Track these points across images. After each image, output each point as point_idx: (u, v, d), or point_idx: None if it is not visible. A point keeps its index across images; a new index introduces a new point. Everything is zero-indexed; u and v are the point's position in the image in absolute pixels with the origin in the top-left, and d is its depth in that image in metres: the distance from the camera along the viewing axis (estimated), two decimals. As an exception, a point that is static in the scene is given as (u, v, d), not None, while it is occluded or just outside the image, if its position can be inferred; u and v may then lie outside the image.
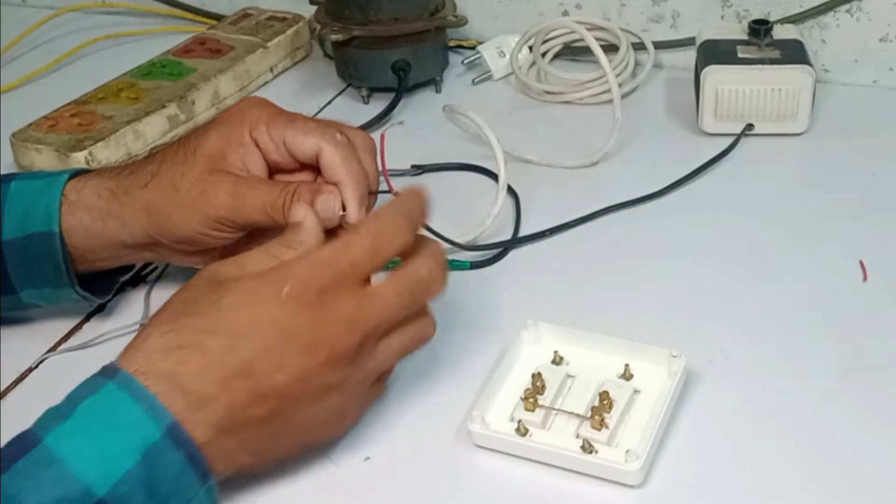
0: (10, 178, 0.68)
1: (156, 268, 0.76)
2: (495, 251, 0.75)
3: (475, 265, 0.74)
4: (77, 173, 0.68)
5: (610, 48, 0.98)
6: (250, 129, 0.64)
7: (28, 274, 0.67)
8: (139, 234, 0.65)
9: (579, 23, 0.94)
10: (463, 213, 0.78)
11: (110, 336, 0.69)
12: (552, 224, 0.78)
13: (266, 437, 0.54)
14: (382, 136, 0.68)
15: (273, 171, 0.66)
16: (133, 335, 0.67)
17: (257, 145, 0.64)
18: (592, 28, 0.95)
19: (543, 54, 1.00)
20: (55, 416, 0.50)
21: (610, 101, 0.94)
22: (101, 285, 0.70)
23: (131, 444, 0.49)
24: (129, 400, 0.50)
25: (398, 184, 0.85)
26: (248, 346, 0.52)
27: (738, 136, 0.86)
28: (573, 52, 1.02)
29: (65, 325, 0.71)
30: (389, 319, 0.56)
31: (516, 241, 0.76)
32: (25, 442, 0.49)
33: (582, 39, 1.00)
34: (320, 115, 0.97)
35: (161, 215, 0.64)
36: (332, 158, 0.63)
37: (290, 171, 0.66)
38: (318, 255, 0.54)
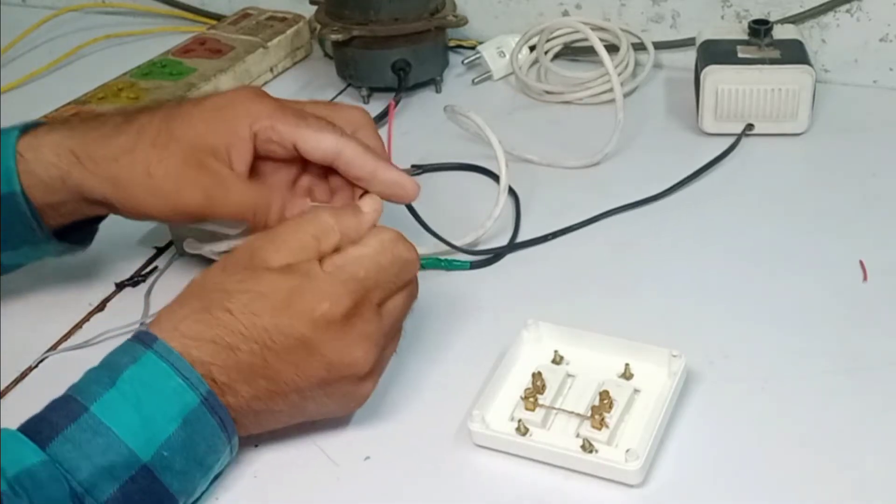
0: None
1: (156, 267, 0.76)
2: (493, 245, 0.75)
3: (475, 265, 0.74)
4: (27, 128, 0.66)
5: (610, 48, 0.98)
6: (251, 123, 0.63)
7: (3, 234, 0.66)
8: (100, 197, 0.64)
9: (584, 24, 0.94)
10: (463, 213, 0.78)
11: (110, 336, 0.69)
12: (552, 224, 0.78)
13: (284, 418, 0.57)
14: (392, 105, 0.68)
15: (272, 160, 0.65)
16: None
17: (254, 139, 0.63)
18: (593, 28, 0.95)
19: (544, 53, 1.00)
20: (98, 382, 0.52)
21: (609, 102, 0.94)
22: (78, 235, 0.70)
23: (172, 410, 0.52)
24: (169, 369, 0.52)
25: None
26: (277, 358, 0.54)
27: (739, 137, 0.86)
28: (573, 52, 1.02)
29: (65, 324, 0.71)
30: (398, 320, 0.59)
31: (516, 246, 0.76)
32: (71, 409, 0.51)
33: (582, 39, 1.00)
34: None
35: (128, 192, 0.63)
36: (353, 158, 0.63)
37: (276, 162, 0.65)
38: (354, 275, 0.56)
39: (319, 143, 0.63)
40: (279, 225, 0.59)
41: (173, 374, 0.52)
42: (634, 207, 0.79)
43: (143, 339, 0.54)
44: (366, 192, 0.63)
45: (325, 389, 0.56)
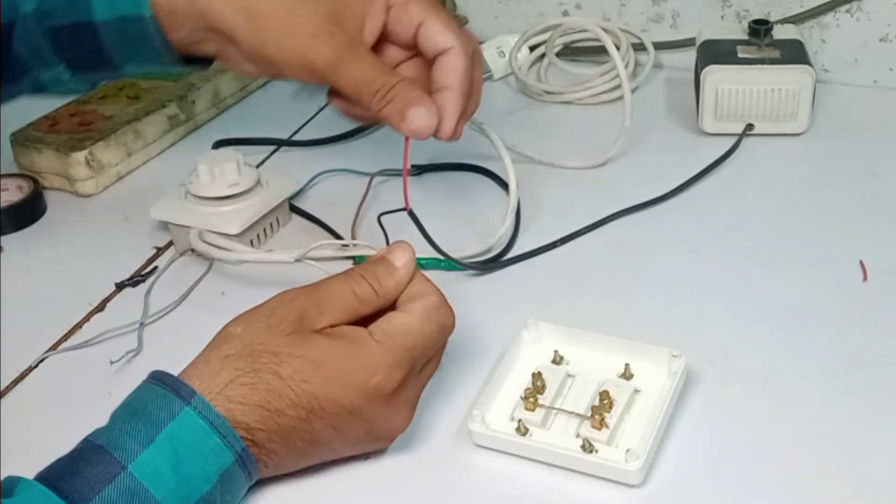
0: None
1: (156, 267, 0.76)
2: (495, 252, 0.75)
3: (475, 266, 0.74)
4: None
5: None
6: None
7: (127, 52, 0.66)
8: (225, 27, 0.63)
9: (599, 24, 0.94)
10: (463, 213, 0.78)
11: (110, 336, 0.69)
12: (552, 224, 0.78)
13: (302, 465, 0.57)
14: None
15: (383, 39, 0.65)
16: (133, 334, 0.68)
17: (387, 11, 0.63)
18: (585, 29, 0.95)
19: (542, 56, 1.01)
20: (134, 438, 0.50)
21: (610, 101, 0.95)
22: (199, 62, 0.68)
23: (210, 469, 0.51)
24: (208, 427, 0.51)
25: (398, 182, 0.86)
26: (321, 423, 0.54)
27: (740, 137, 0.86)
28: (573, 52, 1.02)
29: (65, 324, 0.71)
30: (429, 378, 0.60)
31: (521, 258, 0.75)
32: (107, 465, 0.49)
33: (582, 40, 1.00)
34: (319, 117, 0.97)
35: (261, 27, 0.62)
36: (457, 65, 0.63)
37: (399, 47, 0.65)
38: (403, 345, 0.55)
39: (440, 36, 0.63)
40: (318, 283, 0.58)
41: (212, 432, 0.51)
42: (636, 210, 0.79)
43: (177, 389, 0.52)
44: (397, 242, 0.61)
45: (356, 447, 0.57)
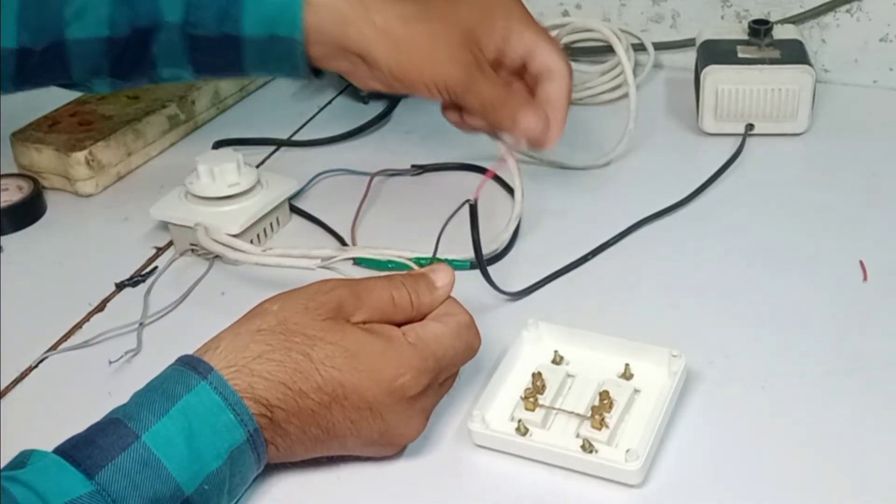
0: None
1: (156, 267, 0.76)
2: (495, 251, 0.75)
3: (476, 265, 0.74)
4: None
5: (610, 49, 0.98)
6: (506, 21, 0.71)
7: (266, 64, 0.73)
8: (362, 51, 0.69)
9: (609, 25, 0.93)
10: (464, 214, 0.78)
11: (110, 335, 0.69)
12: (552, 224, 0.78)
13: (308, 455, 0.57)
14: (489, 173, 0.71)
15: (498, 59, 0.72)
16: (133, 334, 0.68)
17: (504, 36, 0.71)
18: (592, 29, 0.95)
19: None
20: (149, 409, 0.51)
21: (610, 102, 0.95)
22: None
23: (222, 446, 0.51)
24: (222, 403, 0.51)
25: (398, 182, 0.86)
26: (341, 412, 0.54)
27: (743, 138, 0.86)
28: (573, 52, 1.01)
29: (65, 324, 0.71)
30: (443, 395, 0.60)
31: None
32: (121, 435, 0.50)
33: (582, 40, 1.00)
34: (319, 117, 0.98)
35: (401, 52, 0.68)
36: (563, 85, 0.72)
37: (506, 68, 0.72)
38: (434, 352, 0.56)
39: (548, 58, 0.71)
40: (360, 280, 0.59)
41: (226, 408, 0.51)
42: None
43: (195, 366, 0.53)
44: (438, 261, 0.63)
45: (366, 448, 0.57)
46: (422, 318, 0.58)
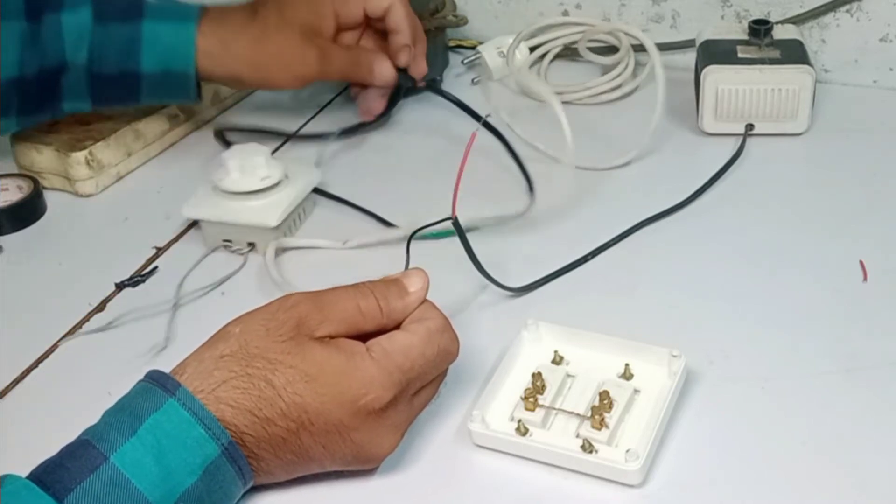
0: (138, 17, 0.81)
1: (156, 267, 0.76)
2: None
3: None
4: (199, 15, 0.82)
5: (610, 49, 0.98)
6: (333, 3, 0.86)
7: (160, 95, 0.86)
8: (234, 79, 0.86)
9: (599, 25, 0.94)
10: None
11: (111, 329, 0.69)
12: (552, 224, 0.78)
13: (296, 475, 0.57)
14: (473, 135, 0.68)
15: (339, 29, 0.87)
16: (132, 334, 0.68)
17: (334, 9, 0.86)
18: (593, 29, 0.95)
19: (543, 56, 1.01)
20: (118, 429, 0.50)
21: (610, 102, 0.95)
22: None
23: (194, 461, 0.51)
24: (192, 419, 0.51)
25: (397, 183, 0.86)
26: (310, 437, 0.54)
27: (743, 139, 0.86)
28: (573, 52, 1.02)
29: (65, 324, 0.71)
30: (425, 406, 0.59)
31: (539, 283, 0.73)
32: (90, 457, 0.49)
33: (582, 40, 1.00)
34: (320, 116, 0.98)
35: (262, 72, 0.84)
36: (399, 12, 0.86)
37: (352, 29, 0.88)
38: (400, 365, 0.55)
39: (381, 3, 0.86)
40: (325, 291, 0.58)
41: (196, 423, 0.51)
42: (635, 208, 0.79)
43: (163, 383, 0.52)
44: (413, 268, 0.61)
45: (347, 466, 0.56)
46: (396, 325, 0.57)
